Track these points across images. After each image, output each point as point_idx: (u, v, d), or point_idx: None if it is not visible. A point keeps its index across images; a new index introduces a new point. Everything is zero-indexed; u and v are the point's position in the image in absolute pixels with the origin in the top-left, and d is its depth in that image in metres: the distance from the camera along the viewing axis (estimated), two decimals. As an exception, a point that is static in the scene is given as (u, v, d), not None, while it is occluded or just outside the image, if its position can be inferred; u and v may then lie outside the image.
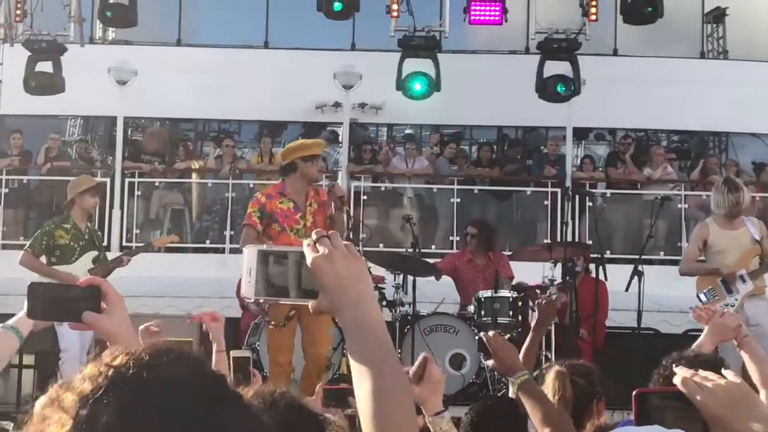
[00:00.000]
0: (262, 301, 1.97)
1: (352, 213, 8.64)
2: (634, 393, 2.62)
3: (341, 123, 16.05)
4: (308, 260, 1.80)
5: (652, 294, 10.09)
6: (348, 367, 9.04)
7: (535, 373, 4.61)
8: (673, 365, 3.22)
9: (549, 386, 4.00)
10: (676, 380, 2.61)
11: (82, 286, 2.25)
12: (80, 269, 9.18)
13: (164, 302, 10.66)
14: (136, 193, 14.89)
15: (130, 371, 1.34)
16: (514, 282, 9.85)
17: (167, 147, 16.08)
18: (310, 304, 1.83)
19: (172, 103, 16.27)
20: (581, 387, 4.05)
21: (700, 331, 4.38)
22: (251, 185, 15.08)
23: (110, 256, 9.99)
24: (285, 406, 2.15)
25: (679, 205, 14.65)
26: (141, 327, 4.16)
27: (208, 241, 14.93)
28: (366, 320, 1.78)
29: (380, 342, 1.77)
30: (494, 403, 4.44)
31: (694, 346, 4.30)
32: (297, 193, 8.01)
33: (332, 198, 7.95)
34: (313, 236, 1.83)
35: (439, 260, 10.55)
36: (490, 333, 3.96)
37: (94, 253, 9.41)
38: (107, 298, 2.23)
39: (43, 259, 9.30)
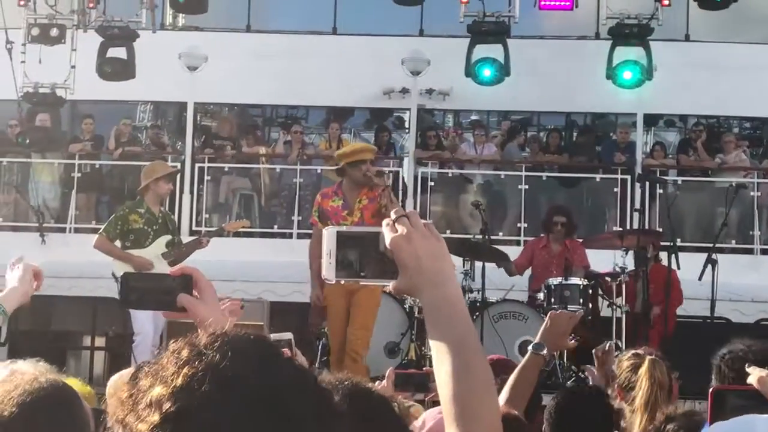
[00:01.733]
0: (343, 282, 1.96)
1: (418, 200, 8.79)
2: (710, 390, 2.57)
3: (408, 109, 16.03)
4: (387, 240, 1.80)
5: (724, 283, 9.98)
6: (416, 352, 9.09)
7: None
8: (740, 362, 3.17)
9: (645, 375, 3.95)
10: (752, 380, 2.57)
11: (174, 275, 2.31)
12: (153, 253, 9.31)
13: (233, 286, 10.74)
14: (206, 178, 15.03)
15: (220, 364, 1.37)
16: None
17: (237, 132, 16.19)
18: (391, 284, 1.82)
19: (241, 89, 16.37)
20: (668, 372, 4.01)
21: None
22: (319, 170, 15.15)
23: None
24: (351, 390, 2.13)
25: (752, 193, 14.41)
26: (226, 303, 4.18)
27: (276, 226, 15.03)
28: (446, 300, 1.77)
29: (461, 322, 1.77)
30: (581, 390, 4.41)
31: None
32: (349, 192, 8.41)
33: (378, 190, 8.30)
34: (392, 216, 1.82)
35: (509, 248, 10.50)
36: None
37: (168, 237, 9.52)
38: (198, 285, 2.29)
39: (118, 243, 9.44)
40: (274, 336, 4.25)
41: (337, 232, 1.89)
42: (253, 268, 12.97)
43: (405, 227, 1.79)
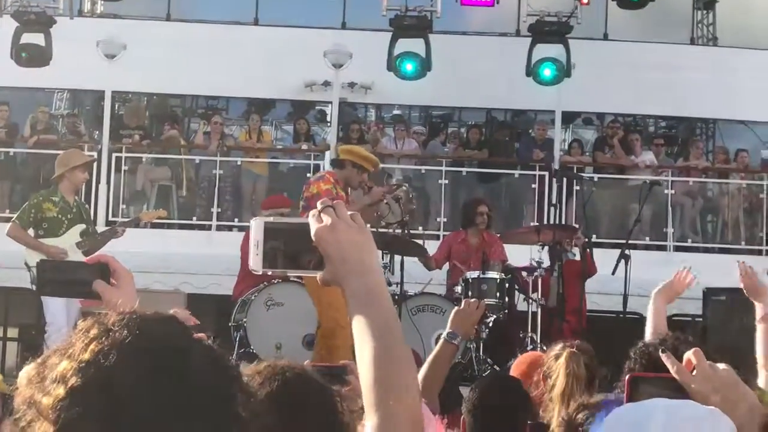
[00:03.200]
0: (270, 272, 1.96)
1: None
2: (627, 377, 2.62)
3: (330, 102, 16.00)
4: (312, 231, 1.80)
5: (637, 278, 10.13)
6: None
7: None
8: (655, 350, 3.27)
9: (562, 366, 4.03)
10: (670, 367, 2.63)
11: (90, 263, 2.30)
12: (68, 242, 9.16)
13: (152, 278, 10.64)
14: (123, 168, 14.82)
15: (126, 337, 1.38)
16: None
17: (149, 122, 15.98)
18: (318, 276, 1.83)
19: (161, 78, 16.19)
20: (587, 366, 4.10)
21: (685, 316, 4.43)
22: (239, 162, 15.05)
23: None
24: (293, 377, 2.13)
25: (666, 191, 14.69)
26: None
27: (194, 218, 14.90)
28: (370, 289, 1.78)
29: (385, 310, 1.78)
30: (498, 380, 4.47)
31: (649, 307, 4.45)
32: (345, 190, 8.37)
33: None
34: (318, 207, 1.83)
35: (426, 242, 10.55)
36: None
37: (82, 226, 9.37)
38: (116, 274, 2.28)
39: (31, 231, 9.26)
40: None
41: (265, 222, 1.90)
42: (170, 260, 12.86)
43: (330, 218, 1.80)
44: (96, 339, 1.38)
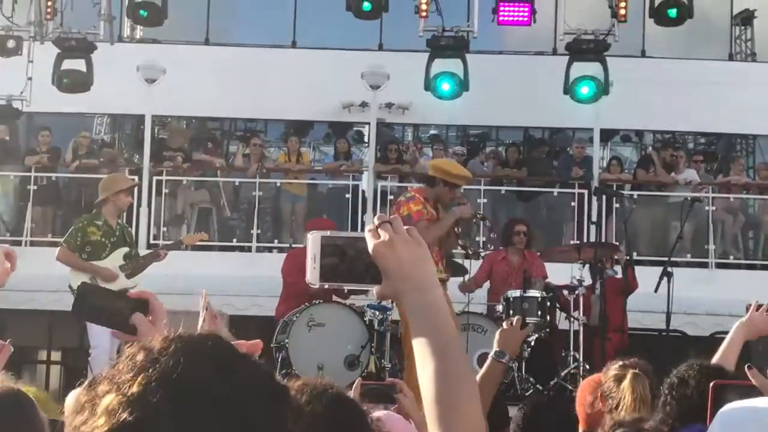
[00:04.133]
0: (327, 286, 1.99)
1: (378, 214, 8.86)
2: (711, 384, 2.73)
3: (368, 123, 16.07)
4: (369, 246, 1.81)
5: (679, 296, 10.07)
6: (376, 365, 9.07)
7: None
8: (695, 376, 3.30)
9: (627, 389, 3.97)
10: (755, 381, 2.71)
11: (132, 297, 2.31)
12: (111, 265, 9.25)
13: (191, 300, 10.70)
14: (164, 191, 14.95)
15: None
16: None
17: (189, 144, 16.10)
18: (375, 289, 1.85)
19: (200, 102, 16.34)
20: (651, 386, 4.04)
21: (727, 333, 4.39)
22: (278, 184, 15.13)
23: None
24: (333, 398, 2.15)
25: (706, 208, 14.59)
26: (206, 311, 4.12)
27: (234, 240, 14.98)
28: (429, 305, 1.79)
29: (444, 326, 1.78)
30: (547, 400, 4.46)
31: (725, 342, 4.33)
32: (437, 209, 8.27)
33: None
34: (375, 221, 1.84)
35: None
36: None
37: (125, 249, 9.47)
38: (153, 311, 2.27)
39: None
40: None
41: (322, 236, 1.91)
42: (211, 282, 12.89)
43: (387, 233, 1.81)
44: (143, 370, 1.37)
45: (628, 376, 4.01)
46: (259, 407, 1.38)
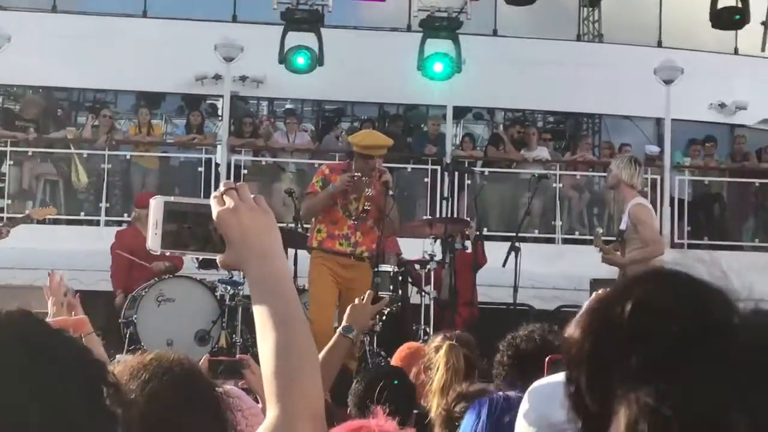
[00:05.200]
0: (168, 253, 1.93)
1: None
2: (547, 359, 2.83)
3: (221, 96, 15.86)
4: (214, 213, 1.77)
5: (526, 271, 10.31)
6: (227, 340, 9.00)
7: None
8: (522, 341, 3.43)
9: (442, 359, 4.09)
10: None
11: None
12: None
13: (37, 274, 10.36)
14: (8, 162, 14.45)
15: None
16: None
17: (43, 115, 15.61)
18: (218, 258, 1.80)
19: (47, 72, 15.83)
20: (467, 357, 4.16)
21: (573, 306, 4.52)
22: (128, 156, 14.81)
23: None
24: (181, 373, 2.10)
25: (554, 185, 14.96)
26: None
27: (82, 213, 14.62)
28: (273, 275, 1.74)
29: (287, 298, 1.73)
30: (383, 371, 4.52)
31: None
32: (359, 178, 8.15)
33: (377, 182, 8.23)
34: (221, 188, 1.79)
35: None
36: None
37: None
38: None
39: None
40: None
41: (165, 202, 1.85)
42: (58, 256, 12.58)
43: (233, 200, 1.76)
44: None
45: (444, 347, 4.12)
46: (72, 386, 1.34)
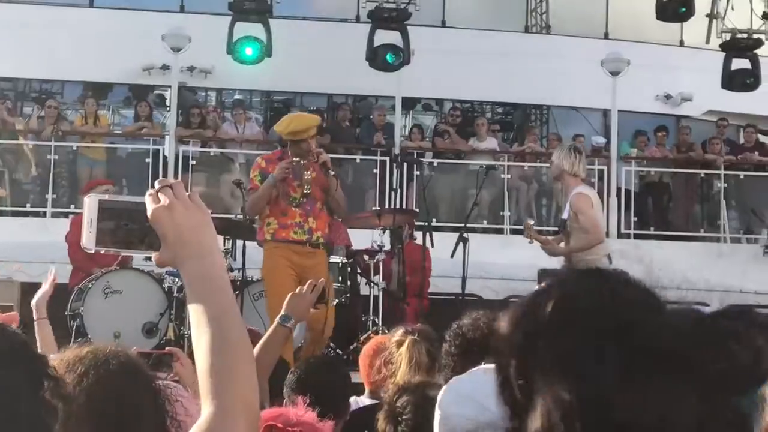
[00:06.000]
0: (103, 251, 1.92)
1: (179, 179, 8.54)
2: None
3: (169, 86, 15.75)
4: (148, 211, 1.76)
5: (475, 261, 10.36)
6: (174, 332, 8.95)
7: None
8: (468, 330, 3.44)
9: (404, 355, 4.10)
10: None
11: None
12: None
13: (-20, 267, 10.29)
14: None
15: None
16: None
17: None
18: (153, 256, 1.79)
19: (-9, 61, 15.64)
20: (429, 351, 4.18)
21: (520, 296, 4.53)
22: (75, 147, 14.67)
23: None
24: (117, 366, 2.07)
25: (503, 176, 15.05)
26: None
27: (28, 204, 14.45)
28: (208, 272, 1.73)
29: (223, 295, 1.73)
30: (319, 361, 4.54)
31: None
32: (297, 163, 7.95)
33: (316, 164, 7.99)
34: (156, 186, 1.78)
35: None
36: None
37: None
38: None
39: None
40: None
41: (99, 200, 1.85)
42: (3, 248, 12.44)
43: (168, 197, 1.75)
44: None
45: (406, 342, 4.14)
46: (12, 377, 1.34)
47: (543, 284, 1.13)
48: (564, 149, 8.49)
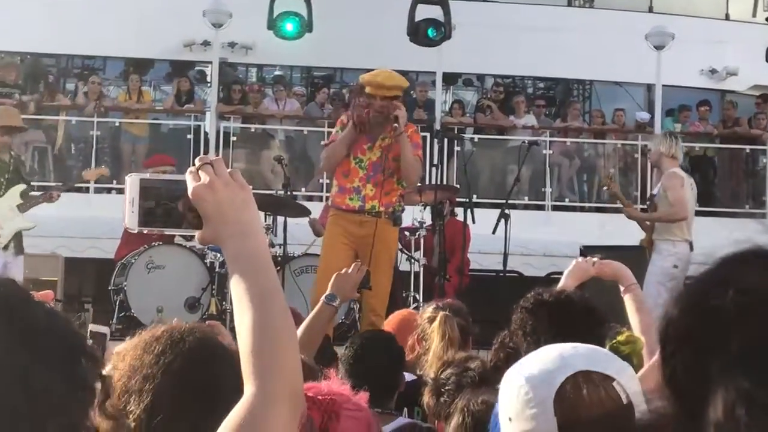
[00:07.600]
0: (146, 231, 1.92)
1: (220, 154, 8.46)
2: None
3: (210, 62, 15.78)
4: (189, 189, 1.73)
5: (516, 237, 10.31)
6: (217, 307, 8.99)
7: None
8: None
9: (436, 331, 4.12)
10: None
11: None
12: (8, 205, 8.75)
13: (27, 242, 10.35)
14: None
15: None
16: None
17: (24, 80, 15.48)
18: (196, 234, 1.78)
19: (34, 38, 15.72)
20: (461, 326, 4.19)
21: (562, 274, 4.49)
22: (117, 123, 14.75)
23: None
24: (193, 342, 2.01)
25: (544, 151, 14.96)
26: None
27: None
28: (251, 252, 1.71)
29: (265, 275, 1.69)
30: (374, 336, 4.57)
31: (559, 286, 4.42)
32: (376, 124, 7.45)
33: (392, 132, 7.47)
34: (196, 163, 1.76)
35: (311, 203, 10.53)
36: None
37: (22, 186, 8.95)
38: None
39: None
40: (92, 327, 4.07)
41: (141, 179, 1.85)
42: (47, 223, 12.54)
43: (208, 175, 1.73)
44: None
45: (438, 318, 4.15)
46: (50, 353, 1.35)
47: (714, 266, 1.09)
48: (659, 136, 9.19)
